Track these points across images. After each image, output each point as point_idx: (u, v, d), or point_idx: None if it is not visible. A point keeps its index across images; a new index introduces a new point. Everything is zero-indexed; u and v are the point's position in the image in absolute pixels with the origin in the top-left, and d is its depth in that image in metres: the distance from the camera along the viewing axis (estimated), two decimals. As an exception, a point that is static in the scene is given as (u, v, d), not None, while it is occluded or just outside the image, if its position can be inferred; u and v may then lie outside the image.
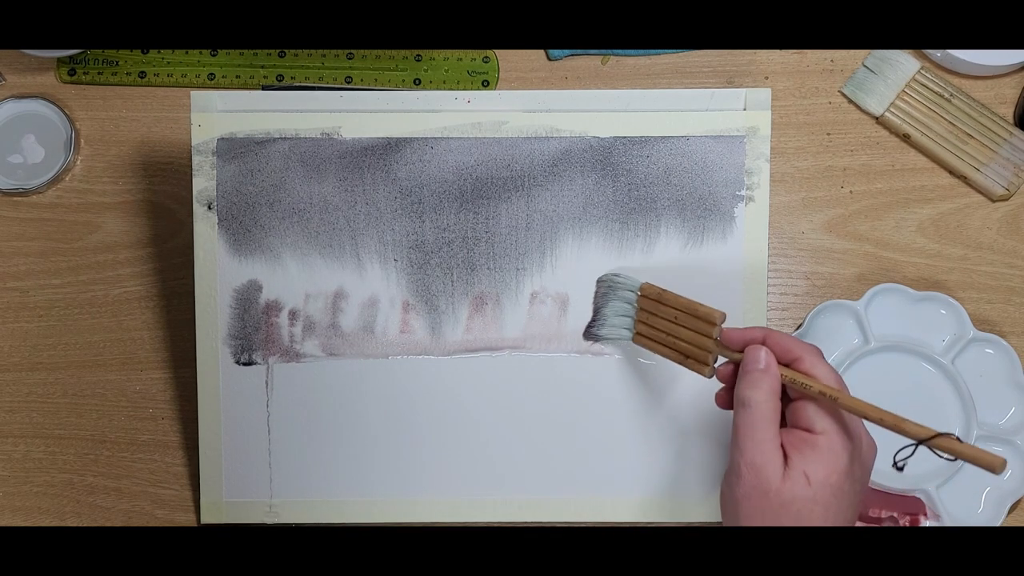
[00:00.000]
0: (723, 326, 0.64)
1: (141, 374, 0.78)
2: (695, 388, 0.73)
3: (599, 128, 0.73)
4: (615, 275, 0.72)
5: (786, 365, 0.61)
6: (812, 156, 0.80)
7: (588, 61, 0.81)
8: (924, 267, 0.79)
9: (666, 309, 0.67)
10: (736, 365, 0.63)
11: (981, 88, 0.80)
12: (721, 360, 0.64)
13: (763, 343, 0.62)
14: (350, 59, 0.80)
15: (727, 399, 0.64)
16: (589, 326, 0.73)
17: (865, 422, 0.61)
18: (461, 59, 0.80)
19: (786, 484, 0.58)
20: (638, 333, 0.70)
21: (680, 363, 0.66)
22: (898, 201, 0.79)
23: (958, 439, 0.58)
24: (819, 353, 0.61)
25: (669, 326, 0.67)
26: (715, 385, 0.72)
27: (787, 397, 0.61)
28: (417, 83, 0.80)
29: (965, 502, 0.74)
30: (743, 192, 0.73)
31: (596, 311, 0.73)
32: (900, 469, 0.60)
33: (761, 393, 0.60)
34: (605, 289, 0.72)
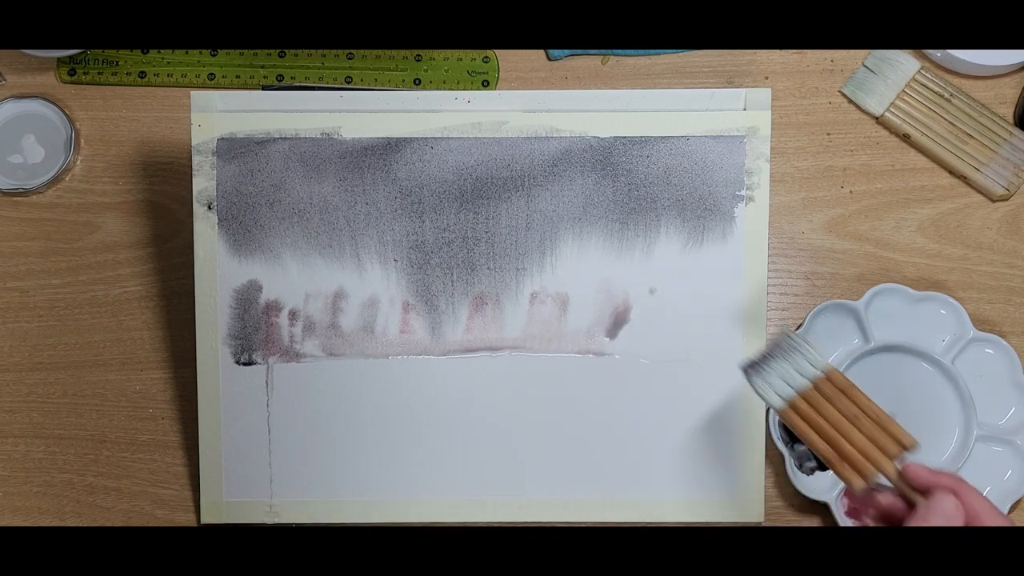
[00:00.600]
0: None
1: (141, 374, 0.78)
2: (696, 389, 0.73)
3: (599, 128, 0.73)
4: (805, 342, 0.63)
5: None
6: (812, 156, 0.80)
7: (588, 61, 0.81)
8: (924, 267, 0.79)
9: (847, 404, 0.60)
10: (906, 500, 0.58)
11: (981, 88, 0.80)
12: (884, 482, 0.59)
13: (952, 492, 0.56)
14: (350, 59, 0.80)
15: (861, 515, 0.60)
16: (752, 363, 0.63)
17: None
18: (461, 59, 0.80)
19: None
20: (792, 406, 0.62)
21: (830, 462, 0.60)
22: (898, 201, 0.79)
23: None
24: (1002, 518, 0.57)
25: (841, 422, 0.60)
26: (717, 386, 0.72)
27: None
28: (417, 83, 0.80)
29: (965, 502, 0.74)
30: (743, 192, 0.73)
31: (766, 357, 0.63)
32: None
33: None
34: (788, 346, 0.63)
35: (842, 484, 0.70)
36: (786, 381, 0.62)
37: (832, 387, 0.62)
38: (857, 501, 0.61)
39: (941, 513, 0.56)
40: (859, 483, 0.59)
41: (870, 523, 0.60)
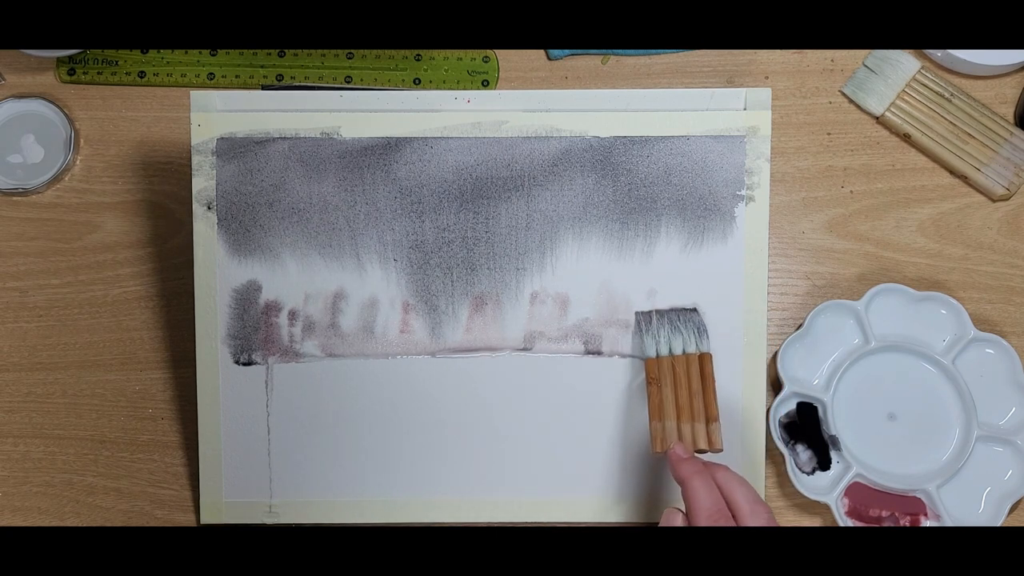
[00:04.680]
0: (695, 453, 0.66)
1: (141, 374, 0.78)
2: (695, 388, 0.73)
3: (599, 128, 0.73)
4: (700, 321, 0.72)
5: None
6: (812, 156, 0.80)
7: (588, 61, 0.81)
8: (924, 267, 0.79)
9: (696, 387, 0.70)
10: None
11: (981, 88, 0.80)
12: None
13: (682, 484, 0.62)
14: (350, 59, 0.80)
15: None
16: (648, 314, 0.72)
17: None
18: (461, 59, 0.80)
19: None
20: (659, 361, 0.71)
21: (651, 417, 0.69)
22: (898, 201, 0.79)
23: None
24: (723, 516, 0.61)
25: (682, 395, 0.69)
26: (717, 386, 0.72)
27: None
28: (417, 83, 0.80)
29: (965, 502, 0.74)
30: (743, 192, 0.73)
31: (667, 316, 0.72)
32: None
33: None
34: (688, 321, 0.72)
35: (843, 484, 0.74)
36: (669, 341, 0.71)
37: (698, 367, 0.70)
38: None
39: (668, 521, 0.62)
40: (658, 446, 0.68)
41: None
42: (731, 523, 0.60)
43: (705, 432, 0.68)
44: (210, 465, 0.74)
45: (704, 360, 0.71)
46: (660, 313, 0.72)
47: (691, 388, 0.70)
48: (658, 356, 0.71)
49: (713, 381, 0.70)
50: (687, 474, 0.62)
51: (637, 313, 0.73)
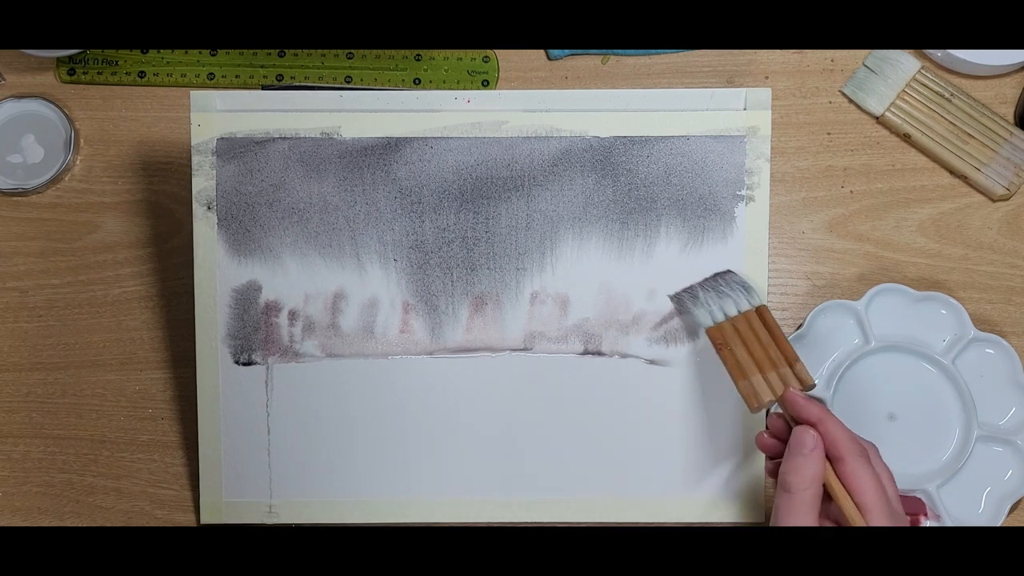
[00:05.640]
0: (793, 390, 0.65)
1: (141, 374, 0.78)
2: (697, 389, 0.73)
3: (599, 128, 0.73)
4: (741, 279, 0.71)
5: (830, 459, 0.61)
6: (812, 156, 0.80)
7: (588, 61, 0.81)
8: (925, 267, 0.79)
9: (766, 337, 0.68)
10: (781, 439, 0.64)
11: (981, 88, 0.80)
12: (775, 409, 0.66)
13: (816, 425, 0.61)
14: (350, 59, 0.80)
15: (775, 470, 0.64)
16: (693, 286, 0.72)
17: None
18: (461, 59, 0.80)
19: None
20: (720, 327, 0.69)
21: (735, 379, 0.67)
22: (898, 201, 0.79)
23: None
24: (866, 455, 0.61)
25: (756, 350, 0.68)
26: (718, 386, 0.72)
27: None
28: (417, 83, 0.80)
29: (965, 502, 0.74)
30: (743, 192, 0.73)
31: (710, 284, 0.72)
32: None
33: (803, 480, 0.60)
34: (730, 282, 0.71)
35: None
36: (721, 307, 0.70)
37: (759, 320, 0.69)
38: (768, 466, 0.67)
39: (799, 444, 0.61)
40: (753, 402, 0.66)
41: (766, 439, 0.66)
42: (867, 457, 0.60)
43: (793, 374, 0.67)
44: (210, 465, 0.74)
45: (762, 312, 0.69)
46: (701, 285, 0.72)
47: (761, 340, 0.68)
48: (716, 323, 0.70)
49: (778, 328, 0.68)
50: (820, 412, 0.62)
51: (675, 295, 0.72)
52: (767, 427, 0.67)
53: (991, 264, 0.79)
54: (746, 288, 0.70)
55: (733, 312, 0.70)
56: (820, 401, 0.66)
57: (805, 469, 0.60)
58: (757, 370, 0.67)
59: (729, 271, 0.72)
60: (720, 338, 0.69)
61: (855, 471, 0.60)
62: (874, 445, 0.63)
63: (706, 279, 0.72)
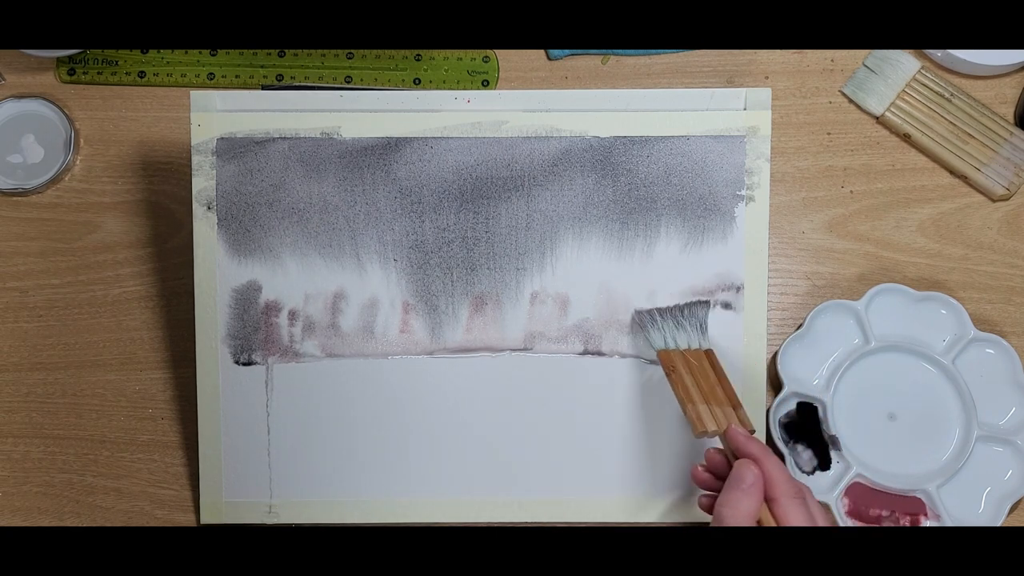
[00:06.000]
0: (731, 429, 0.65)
1: (141, 374, 0.77)
2: (695, 388, 0.73)
3: (599, 128, 0.73)
4: (701, 317, 0.72)
5: (766, 499, 0.61)
6: (812, 156, 0.80)
7: (588, 61, 0.81)
8: (924, 267, 0.78)
9: (712, 377, 0.69)
10: (715, 474, 0.65)
11: (981, 88, 0.80)
12: (714, 444, 0.67)
13: (756, 463, 0.62)
14: (350, 59, 0.80)
15: (709, 505, 0.65)
16: (652, 310, 0.72)
17: None
18: (461, 59, 0.80)
19: None
20: (671, 353, 0.70)
21: (683, 402, 0.68)
22: (898, 201, 0.79)
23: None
24: (802, 496, 0.61)
25: (703, 383, 0.69)
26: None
27: None
28: (417, 83, 0.80)
29: (965, 502, 0.74)
30: (743, 192, 0.73)
31: (670, 313, 0.72)
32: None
33: (738, 515, 0.60)
34: (690, 317, 0.72)
35: (843, 484, 0.74)
36: (674, 337, 0.71)
37: (707, 361, 0.70)
38: (701, 500, 0.67)
39: (738, 479, 0.61)
40: (699, 427, 0.66)
41: (701, 473, 0.67)
42: (803, 499, 0.60)
43: (736, 415, 0.67)
44: (210, 465, 0.74)
45: (711, 356, 0.70)
46: (661, 311, 0.72)
47: (708, 378, 0.69)
48: (667, 348, 0.71)
49: (725, 373, 0.70)
50: (761, 451, 0.62)
51: (636, 312, 0.73)
52: (705, 460, 0.67)
53: (991, 264, 0.79)
54: (702, 329, 0.72)
55: (684, 345, 0.71)
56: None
57: (741, 504, 0.60)
58: (703, 401, 0.67)
59: (700, 302, 0.73)
60: (670, 362, 0.70)
61: (789, 512, 0.60)
62: (808, 488, 0.62)
63: (667, 307, 0.72)
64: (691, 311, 0.72)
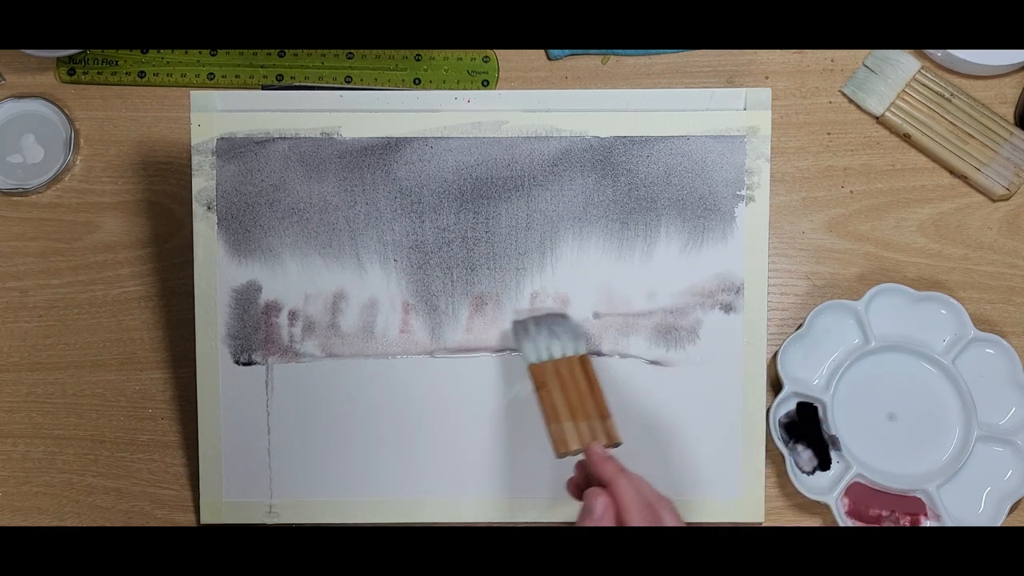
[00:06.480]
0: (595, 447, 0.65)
1: (140, 374, 0.77)
2: (696, 389, 0.73)
3: (599, 128, 0.73)
4: (575, 324, 0.72)
5: (620, 523, 0.61)
6: (812, 156, 0.80)
7: (588, 61, 0.81)
8: (924, 267, 0.79)
9: (584, 386, 0.68)
10: (577, 484, 0.66)
11: (981, 88, 0.80)
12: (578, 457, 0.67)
13: (608, 485, 0.62)
14: (350, 59, 0.80)
15: (578, 494, 0.66)
16: (528, 320, 0.72)
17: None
18: (461, 59, 0.80)
19: None
20: (542, 365, 0.69)
21: (547, 420, 0.68)
22: (898, 201, 0.79)
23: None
24: (656, 519, 0.61)
25: (572, 396, 0.68)
26: (717, 386, 0.72)
27: None
28: (417, 83, 0.80)
29: (965, 502, 0.74)
30: (743, 192, 0.73)
31: (545, 321, 0.72)
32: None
33: None
34: (564, 324, 0.71)
35: (843, 484, 0.74)
36: (548, 347, 0.70)
37: (580, 368, 0.69)
38: (577, 472, 0.68)
39: (587, 511, 0.61)
40: (560, 448, 0.66)
41: (574, 488, 0.67)
42: (658, 521, 0.60)
43: (602, 428, 0.67)
44: (210, 465, 0.74)
45: (585, 361, 0.69)
46: (536, 320, 0.72)
47: (579, 389, 0.69)
48: (540, 361, 0.70)
49: (597, 380, 0.69)
50: (613, 473, 0.62)
51: (514, 322, 0.73)
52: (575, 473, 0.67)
53: (991, 264, 0.79)
54: (576, 335, 0.71)
55: (559, 354, 0.70)
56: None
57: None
58: (570, 417, 0.67)
59: (565, 315, 0.72)
60: (541, 377, 0.69)
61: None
62: (670, 501, 0.62)
63: (542, 315, 0.72)
64: (564, 319, 0.72)
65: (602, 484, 0.62)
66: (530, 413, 0.74)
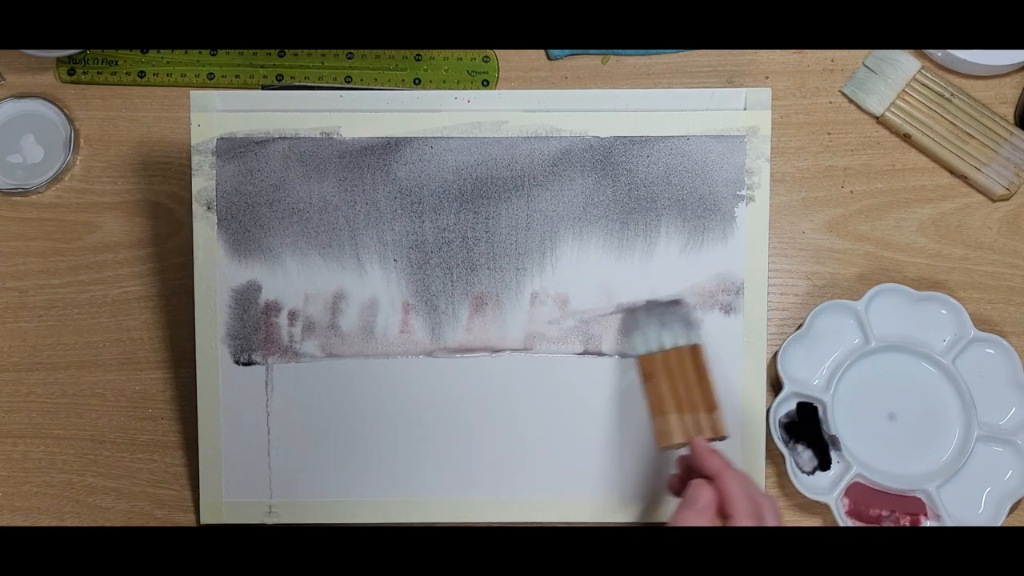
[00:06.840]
0: (701, 440, 0.65)
1: (140, 374, 0.77)
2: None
3: (599, 128, 0.73)
4: (687, 313, 0.72)
5: (723, 517, 0.61)
6: (812, 156, 0.80)
7: (588, 61, 0.81)
8: (924, 267, 0.79)
9: (692, 378, 0.68)
10: (680, 480, 0.66)
11: (981, 88, 0.80)
12: (683, 451, 0.67)
13: (715, 479, 0.62)
14: (350, 59, 0.80)
15: (678, 488, 0.66)
16: (638, 310, 0.72)
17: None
18: (461, 59, 0.80)
19: None
20: (650, 357, 0.69)
21: (652, 414, 0.68)
22: (898, 201, 0.79)
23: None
24: (759, 516, 0.60)
25: (679, 388, 0.68)
26: (721, 386, 0.72)
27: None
28: (417, 83, 0.80)
29: (965, 502, 0.74)
30: (743, 192, 0.73)
31: (654, 313, 0.71)
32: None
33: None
34: (676, 313, 0.71)
35: (843, 484, 0.74)
36: (658, 337, 0.70)
37: (691, 359, 0.69)
38: (679, 466, 0.68)
39: (692, 500, 0.61)
40: (663, 441, 0.67)
41: (675, 482, 0.67)
42: (761, 520, 0.60)
43: (708, 421, 0.67)
44: (210, 465, 0.74)
45: (696, 352, 0.70)
46: (647, 309, 0.72)
47: (687, 380, 0.69)
48: (649, 352, 0.70)
49: (708, 371, 0.69)
50: (720, 467, 0.62)
51: (624, 312, 0.72)
52: (677, 468, 0.67)
53: (991, 264, 0.79)
54: (687, 323, 0.71)
55: (669, 344, 0.70)
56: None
57: (693, 524, 0.60)
58: (675, 409, 0.67)
59: (678, 301, 0.72)
60: (650, 368, 0.69)
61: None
62: (774, 501, 0.62)
63: (655, 304, 0.72)
64: (676, 307, 0.72)
65: (707, 477, 0.62)
66: (530, 413, 0.74)
